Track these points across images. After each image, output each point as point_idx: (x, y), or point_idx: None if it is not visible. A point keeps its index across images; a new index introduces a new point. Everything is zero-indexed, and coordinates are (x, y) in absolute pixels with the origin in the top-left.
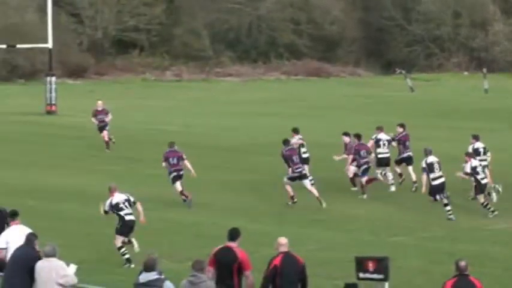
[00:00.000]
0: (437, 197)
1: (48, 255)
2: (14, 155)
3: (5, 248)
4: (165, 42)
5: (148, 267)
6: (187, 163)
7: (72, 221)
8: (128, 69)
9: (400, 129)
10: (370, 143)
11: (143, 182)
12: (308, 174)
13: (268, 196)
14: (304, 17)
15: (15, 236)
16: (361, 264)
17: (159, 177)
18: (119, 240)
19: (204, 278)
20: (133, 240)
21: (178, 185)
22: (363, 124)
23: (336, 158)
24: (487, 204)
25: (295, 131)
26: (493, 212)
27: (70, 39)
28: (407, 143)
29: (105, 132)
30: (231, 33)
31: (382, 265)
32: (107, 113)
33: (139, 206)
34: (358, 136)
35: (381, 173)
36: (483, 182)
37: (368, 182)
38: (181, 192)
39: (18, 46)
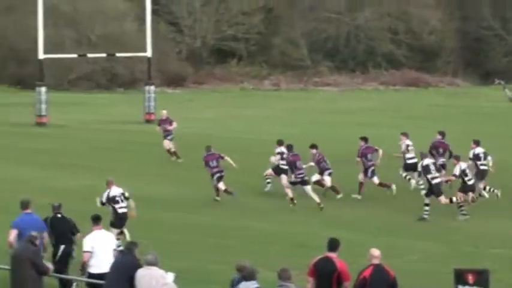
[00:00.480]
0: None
1: (149, 264)
2: (114, 163)
3: (90, 252)
4: (264, 52)
5: (249, 276)
6: (227, 159)
7: (172, 230)
8: (227, 78)
9: (439, 137)
10: (402, 149)
11: (240, 192)
12: (310, 180)
13: (366, 207)
14: (403, 27)
15: (99, 240)
16: (460, 276)
17: (255, 187)
18: (114, 233)
19: (292, 286)
20: (125, 231)
21: (221, 185)
22: (461, 134)
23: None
24: (461, 206)
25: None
26: (464, 215)
27: (169, 48)
28: (440, 150)
29: (166, 142)
30: (329, 43)
31: (482, 278)
32: (170, 122)
33: (131, 202)
34: (365, 139)
35: (405, 177)
36: (469, 183)
37: (381, 185)
38: (226, 191)
39: (118, 55)
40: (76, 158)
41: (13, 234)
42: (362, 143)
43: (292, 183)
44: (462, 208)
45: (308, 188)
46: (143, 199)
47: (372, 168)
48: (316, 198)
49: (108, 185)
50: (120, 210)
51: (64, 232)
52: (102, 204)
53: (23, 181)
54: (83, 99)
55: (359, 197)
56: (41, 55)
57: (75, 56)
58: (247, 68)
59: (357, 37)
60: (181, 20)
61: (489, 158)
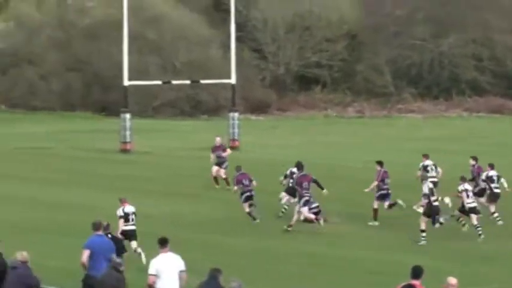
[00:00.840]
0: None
1: None
2: (198, 189)
3: (155, 275)
4: (347, 78)
5: None
6: (254, 183)
7: (244, 255)
8: (310, 105)
9: (473, 162)
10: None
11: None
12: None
13: (444, 234)
14: (487, 53)
15: (165, 263)
16: None
17: (341, 212)
18: None
19: None
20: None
21: (246, 205)
22: None
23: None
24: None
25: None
26: (463, 224)
27: (253, 75)
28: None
29: (215, 168)
30: (413, 70)
31: None
32: (224, 149)
33: None
34: (380, 163)
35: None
36: (468, 205)
37: (390, 206)
38: (249, 213)
39: (202, 82)
40: (159, 185)
41: (85, 254)
42: (379, 167)
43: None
44: (461, 220)
45: (305, 209)
46: (216, 223)
47: (385, 192)
48: (292, 221)
49: (122, 202)
50: (127, 228)
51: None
52: (120, 217)
53: (103, 207)
54: (166, 126)
55: (376, 223)
56: (126, 82)
57: (159, 82)
58: (330, 94)
59: (441, 64)
60: (265, 47)
61: (502, 180)
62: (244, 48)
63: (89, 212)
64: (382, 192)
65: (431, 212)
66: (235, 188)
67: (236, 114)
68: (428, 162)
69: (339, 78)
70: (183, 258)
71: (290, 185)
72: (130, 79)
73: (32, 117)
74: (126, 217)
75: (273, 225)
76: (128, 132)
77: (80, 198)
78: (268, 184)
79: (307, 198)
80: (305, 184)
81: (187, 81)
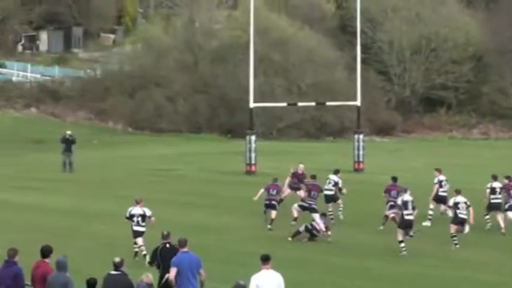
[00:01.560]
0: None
1: None
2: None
3: None
4: (473, 100)
5: None
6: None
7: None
8: (435, 127)
9: (506, 181)
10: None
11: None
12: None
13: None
14: None
15: (264, 280)
16: None
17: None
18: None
19: None
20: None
21: (273, 213)
22: None
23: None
24: (454, 236)
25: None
26: (456, 244)
27: (378, 96)
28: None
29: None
30: None
31: None
32: (304, 178)
33: (153, 219)
34: (394, 179)
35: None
36: (460, 216)
37: (385, 218)
38: (272, 220)
39: (327, 104)
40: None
41: (173, 272)
42: (390, 182)
43: (301, 207)
44: (454, 238)
45: (316, 216)
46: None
47: (391, 203)
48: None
49: (137, 202)
50: (134, 228)
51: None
52: (126, 218)
53: (231, 228)
54: (291, 148)
55: (381, 227)
56: (252, 104)
57: (284, 104)
58: (456, 116)
59: None
60: (390, 69)
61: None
62: (370, 70)
63: (218, 235)
64: (390, 203)
65: (404, 225)
66: (261, 191)
67: (361, 136)
68: (442, 177)
69: (464, 100)
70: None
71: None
72: (255, 101)
73: (158, 139)
74: (131, 218)
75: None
76: (253, 154)
77: (209, 220)
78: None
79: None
80: (313, 193)
81: (313, 103)
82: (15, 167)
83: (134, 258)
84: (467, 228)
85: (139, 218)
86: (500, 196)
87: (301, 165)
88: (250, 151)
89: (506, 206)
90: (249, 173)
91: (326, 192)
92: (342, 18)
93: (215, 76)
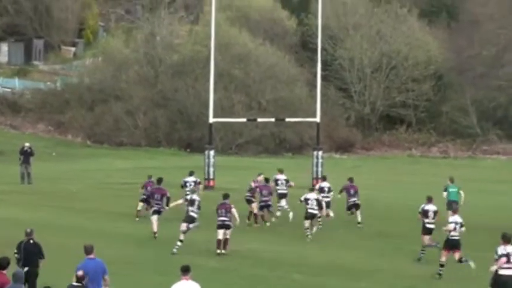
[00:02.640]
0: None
1: None
2: (281, 227)
3: None
4: (432, 119)
5: None
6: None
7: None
8: (395, 144)
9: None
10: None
11: (404, 258)
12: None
13: None
14: None
15: None
16: None
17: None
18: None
19: None
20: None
21: (263, 211)
22: None
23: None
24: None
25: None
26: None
27: (338, 113)
28: None
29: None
30: (499, 111)
31: None
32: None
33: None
34: (350, 179)
35: None
36: (452, 238)
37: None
38: (262, 217)
39: (287, 120)
40: (242, 222)
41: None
42: (348, 182)
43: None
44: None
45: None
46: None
47: (350, 204)
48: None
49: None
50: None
51: (32, 255)
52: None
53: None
54: (250, 163)
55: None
56: (211, 119)
57: (244, 120)
58: (415, 134)
59: None
60: (351, 86)
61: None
62: (330, 86)
63: (187, 249)
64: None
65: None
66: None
67: (320, 153)
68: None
69: (424, 118)
70: None
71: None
72: (215, 116)
73: (117, 152)
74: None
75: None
76: (211, 169)
77: (163, 233)
78: (350, 222)
79: None
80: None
81: (272, 119)
82: None
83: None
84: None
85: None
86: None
87: (260, 177)
88: (209, 166)
89: None
90: (207, 187)
91: (279, 191)
92: (303, 34)
93: (175, 90)
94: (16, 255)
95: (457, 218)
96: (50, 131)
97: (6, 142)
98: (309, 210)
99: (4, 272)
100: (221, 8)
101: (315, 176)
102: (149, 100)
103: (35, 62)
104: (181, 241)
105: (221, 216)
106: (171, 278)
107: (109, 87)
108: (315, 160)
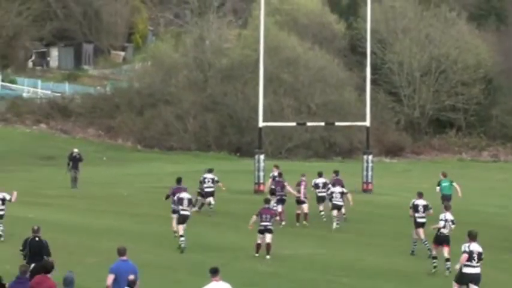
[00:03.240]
0: None
1: None
2: (329, 231)
3: None
4: (482, 122)
5: None
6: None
7: None
8: (444, 148)
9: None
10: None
11: None
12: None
13: None
14: None
15: None
16: None
17: None
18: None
19: None
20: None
21: (280, 207)
22: None
23: None
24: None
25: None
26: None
27: (388, 117)
28: None
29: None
30: None
31: None
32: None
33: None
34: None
35: None
36: (441, 234)
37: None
38: (280, 214)
39: (337, 124)
40: (300, 227)
41: (110, 279)
42: (333, 175)
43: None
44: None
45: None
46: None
47: (321, 196)
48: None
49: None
50: (181, 212)
51: (38, 252)
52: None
53: (242, 247)
54: (300, 167)
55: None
56: (261, 123)
57: (294, 124)
58: (465, 138)
59: None
60: (400, 90)
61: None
62: (380, 90)
63: (220, 252)
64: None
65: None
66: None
67: (370, 157)
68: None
69: (474, 122)
70: None
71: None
72: (265, 120)
73: (168, 157)
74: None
75: None
76: (261, 173)
77: (212, 237)
78: (399, 226)
79: None
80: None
81: (322, 123)
82: (25, 183)
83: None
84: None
85: (186, 202)
86: (424, 214)
87: (304, 177)
88: (259, 170)
89: None
90: (257, 192)
91: (319, 194)
92: (352, 38)
93: (224, 94)
94: (22, 251)
95: (448, 216)
96: (100, 136)
97: (56, 147)
98: (335, 202)
99: (49, 275)
100: (270, 12)
101: (364, 180)
102: (199, 104)
103: (85, 67)
104: (182, 236)
105: (265, 221)
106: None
107: (158, 91)
108: (365, 164)
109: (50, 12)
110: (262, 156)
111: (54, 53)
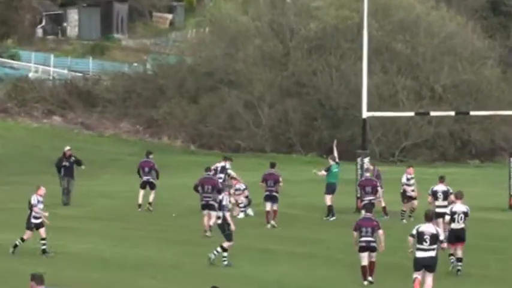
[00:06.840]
0: None
1: None
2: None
3: None
4: None
5: None
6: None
7: None
8: None
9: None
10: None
11: None
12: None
13: None
14: None
15: None
16: None
17: None
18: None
19: None
20: None
21: (268, 205)
22: None
23: None
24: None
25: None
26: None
27: None
28: None
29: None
30: None
31: None
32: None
33: None
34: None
35: None
36: (454, 227)
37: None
38: (274, 212)
39: (472, 113)
40: None
41: None
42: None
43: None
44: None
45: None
46: None
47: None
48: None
49: None
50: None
51: None
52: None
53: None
54: (420, 175)
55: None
56: (365, 113)
57: (412, 114)
58: None
59: None
60: None
61: None
62: None
63: None
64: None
65: None
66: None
67: None
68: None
69: None
70: None
71: None
72: (370, 109)
73: (233, 161)
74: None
75: None
76: None
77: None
78: None
79: None
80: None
81: (452, 113)
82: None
83: None
84: None
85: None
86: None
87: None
88: (361, 177)
89: None
90: (359, 209)
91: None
92: None
93: (313, 73)
94: None
95: (457, 207)
96: (138, 132)
97: (76, 148)
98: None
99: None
100: None
101: None
102: (277, 87)
103: (116, 35)
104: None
105: (270, 187)
106: None
107: (220, 69)
108: None
109: None
110: (366, 160)
111: (73, 16)
